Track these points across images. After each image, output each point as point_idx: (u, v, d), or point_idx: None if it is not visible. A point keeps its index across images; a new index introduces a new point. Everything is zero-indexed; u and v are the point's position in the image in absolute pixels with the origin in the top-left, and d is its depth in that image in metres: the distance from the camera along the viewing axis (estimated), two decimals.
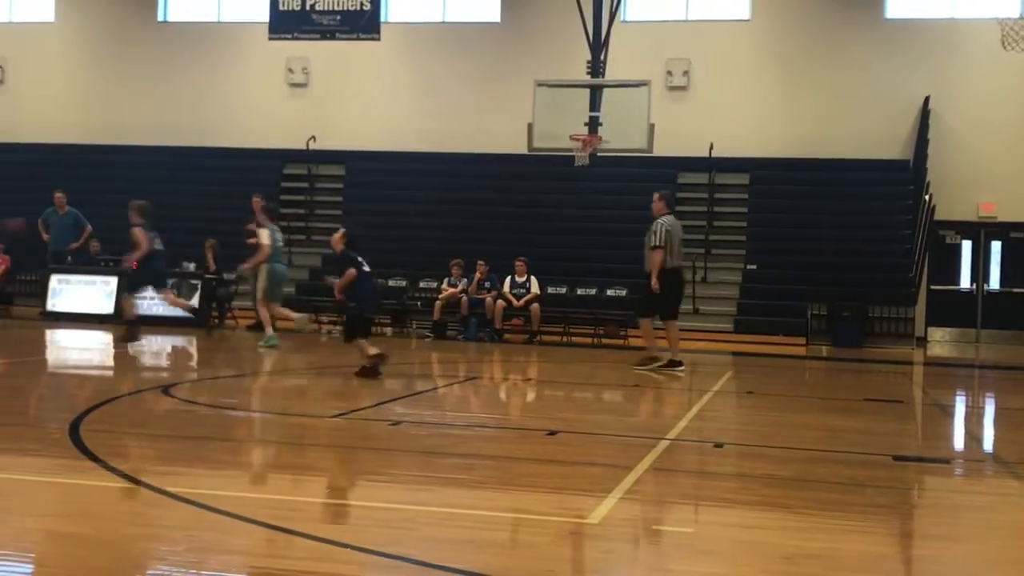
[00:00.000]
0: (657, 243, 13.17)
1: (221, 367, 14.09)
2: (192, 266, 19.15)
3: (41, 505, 5.62)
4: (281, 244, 16.29)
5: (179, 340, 16.57)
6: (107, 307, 18.71)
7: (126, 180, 23.59)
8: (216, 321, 19.00)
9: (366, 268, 11.41)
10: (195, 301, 18.27)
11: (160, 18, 25.57)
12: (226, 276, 19.19)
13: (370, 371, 11.13)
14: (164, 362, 14.64)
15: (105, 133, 24.84)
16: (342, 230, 11.76)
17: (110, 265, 19.15)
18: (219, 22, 25.48)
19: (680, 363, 13.43)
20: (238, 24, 25.10)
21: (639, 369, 13.34)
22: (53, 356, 15.10)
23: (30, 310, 19.81)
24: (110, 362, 14.40)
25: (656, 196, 13.73)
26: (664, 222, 13.31)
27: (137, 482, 5.94)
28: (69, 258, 19.52)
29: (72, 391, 10.84)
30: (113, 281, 18.83)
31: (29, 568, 4.55)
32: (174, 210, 22.79)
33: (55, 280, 19.21)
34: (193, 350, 15.79)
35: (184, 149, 24.46)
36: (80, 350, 15.75)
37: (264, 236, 15.43)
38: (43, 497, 5.81)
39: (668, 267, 13.26)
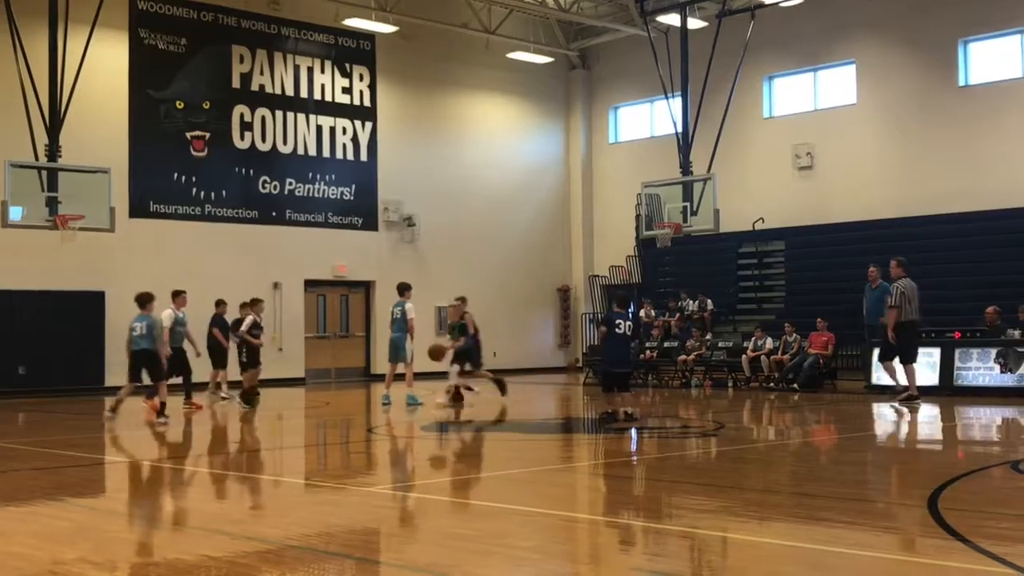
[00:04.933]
0: (893, 303, 16.64)
1: None
2: (1018, 333, 18.29)
3: None
4: None
5: (1008, 411, 15.85)
6: (931, 379, 18.61)
7: (930, 250, 23.42)
8: None
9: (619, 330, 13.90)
10: (1023, 370, 17.44)
11: (961, 83, 25.19)
12: None
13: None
14: (997, 435, 14.08)
15: (909, 205, 24.97)
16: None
17: (931, 336, 19.05)
18: (1023, 77, 24.35)
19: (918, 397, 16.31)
20: None
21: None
22: (883, 430, 15.31)
23: (855, 384, 20.43)
24: (939, 436, 14.24)
25: (894, 262, 17.02)
26: (900, 284, 16.64)
27: (1014, 567, 5.69)
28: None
29: (915, 467, 10.86)
30: (936, 352, 18.72)
31: None
32: (982, 276, 22.14)
33: (878, 354, 19.56)
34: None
35: (991, 213, 23.62)
36: (909, 423, 15.78)
37: None
38: None
39: (906, 320, 16.62)
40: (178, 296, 18.32)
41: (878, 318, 19.82)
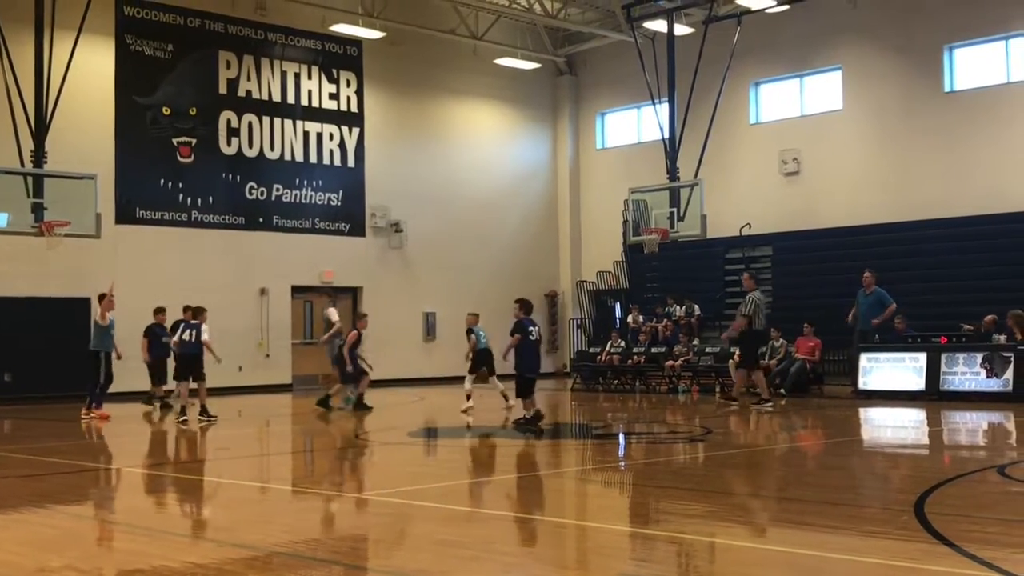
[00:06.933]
0: (746, 312, 17.66)
1: None
2: (1002, 338, 18.37)
3: None
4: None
5: (994, 416, 15.91)
6: (918, 384, 18.68)
7: (915, 255, 23.48)
8: None
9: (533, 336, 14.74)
10: (1009, 374, 17.54)
11: (946, 89, 25.28)
12: None
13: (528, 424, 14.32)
14: (983, 440, 14.13)
15: (895, 210, 25.03)
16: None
17: (917, 341, 19.13)
18: (1007, 83, 24.46)
19: (769, 401, 17.65)
20: None
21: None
22: (870, 435, 15.35)
23: (842, 389, 20.47)
24: (926, 440, 14.28)
25: (746, 275, 18.73)
26: (754, 296, 17.87)
27: (1000, 571, 5.71)
28: (876, 336, 19.84)
29: (901, 471, 10.88)
30: (922, 357, 18.79)
31: None
32: (967, 280, 22.20)
33: (864, 359, 19.64)
34: (1010, 426, 15.04)
35: (976, 218, 23.70)
36: (895, 428, 15.84)
37: None
38: None
39: (756, 329, 17.78)
40: (104, 300, 17.77)
41: (871, 323, 19.91)
